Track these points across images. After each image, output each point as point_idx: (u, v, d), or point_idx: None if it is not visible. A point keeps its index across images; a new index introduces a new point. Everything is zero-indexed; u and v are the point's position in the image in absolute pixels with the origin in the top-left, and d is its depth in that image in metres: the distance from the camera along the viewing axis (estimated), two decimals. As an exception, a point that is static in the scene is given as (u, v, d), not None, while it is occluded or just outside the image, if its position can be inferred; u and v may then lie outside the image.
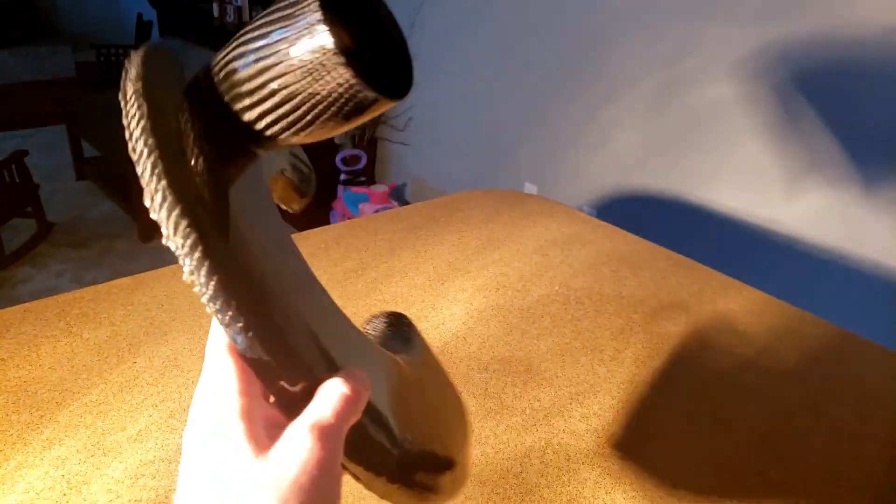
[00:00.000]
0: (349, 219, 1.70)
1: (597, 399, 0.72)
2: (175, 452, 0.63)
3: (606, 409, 0.71)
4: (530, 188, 2.51)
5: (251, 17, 2.42)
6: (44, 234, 2.91)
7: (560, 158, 2.35)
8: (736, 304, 0.93)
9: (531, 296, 0.90)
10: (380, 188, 2.91)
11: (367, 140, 3.13)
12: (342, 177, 3.10)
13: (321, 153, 3.12)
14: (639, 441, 0.67)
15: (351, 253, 1.01)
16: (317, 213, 3.13)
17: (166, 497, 0.58)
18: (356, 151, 3.06)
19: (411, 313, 0.85)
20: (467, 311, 0.86)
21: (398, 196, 3.14)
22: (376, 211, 2.69)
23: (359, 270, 0.96)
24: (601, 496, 0.60)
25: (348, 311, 0.93)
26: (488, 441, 0.66)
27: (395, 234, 1.06)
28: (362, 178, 3.14)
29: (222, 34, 3.34)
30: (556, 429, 0.68)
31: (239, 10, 3.52)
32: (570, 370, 0.76)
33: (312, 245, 1.03)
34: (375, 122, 3.09)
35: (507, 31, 2.43)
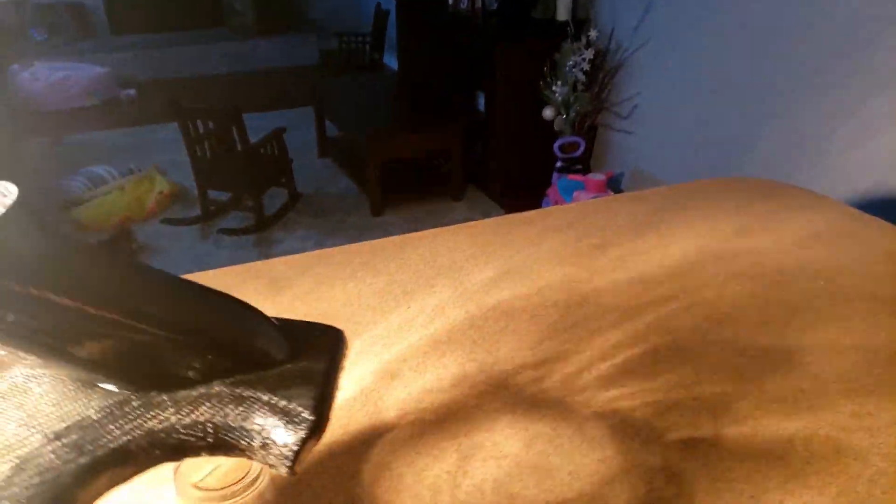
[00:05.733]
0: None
1: (870, 399, 0.67)
2: (450, 385, 0.71)
3: (882, 411, 0.66)
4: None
5: (483, 5, 2.49)
6: (293, 202, 3.34)
7: (799, 156, 2.16)
8: None
9: (791, 289, 0.86)
10: (597, 176, 2.90)
11: (587, 127, 3.12)
12: (558, 164, 3.13)
13: (540, 138, 3.18)
14: (923, 448, 0.62)
15: (593, 230, 1.04)
16: (529, 200, 3.20)
17: (444, 417, 0.66)
18: (575, 139, 3.07)
19: (660, 293, 0.86)
20: (720, 296, 0.85)
21: (614, 186, 3.09)
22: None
23: (602, 247, 0.98)
24: (876, 494, 0.57)
25: (594, 284, 0.97)
26: (746, 422, 0.65)
27: (638, 216, 1.07)
28: (578, 167, 3.14)
29: (455, 21, 3.52)
30: (823, 421, 0.65)
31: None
32: (839, 367, 0.72)
33: (556, 220, 1.07)
34: (598, 108, 3.07)
35: (750, 18, 2.27)
